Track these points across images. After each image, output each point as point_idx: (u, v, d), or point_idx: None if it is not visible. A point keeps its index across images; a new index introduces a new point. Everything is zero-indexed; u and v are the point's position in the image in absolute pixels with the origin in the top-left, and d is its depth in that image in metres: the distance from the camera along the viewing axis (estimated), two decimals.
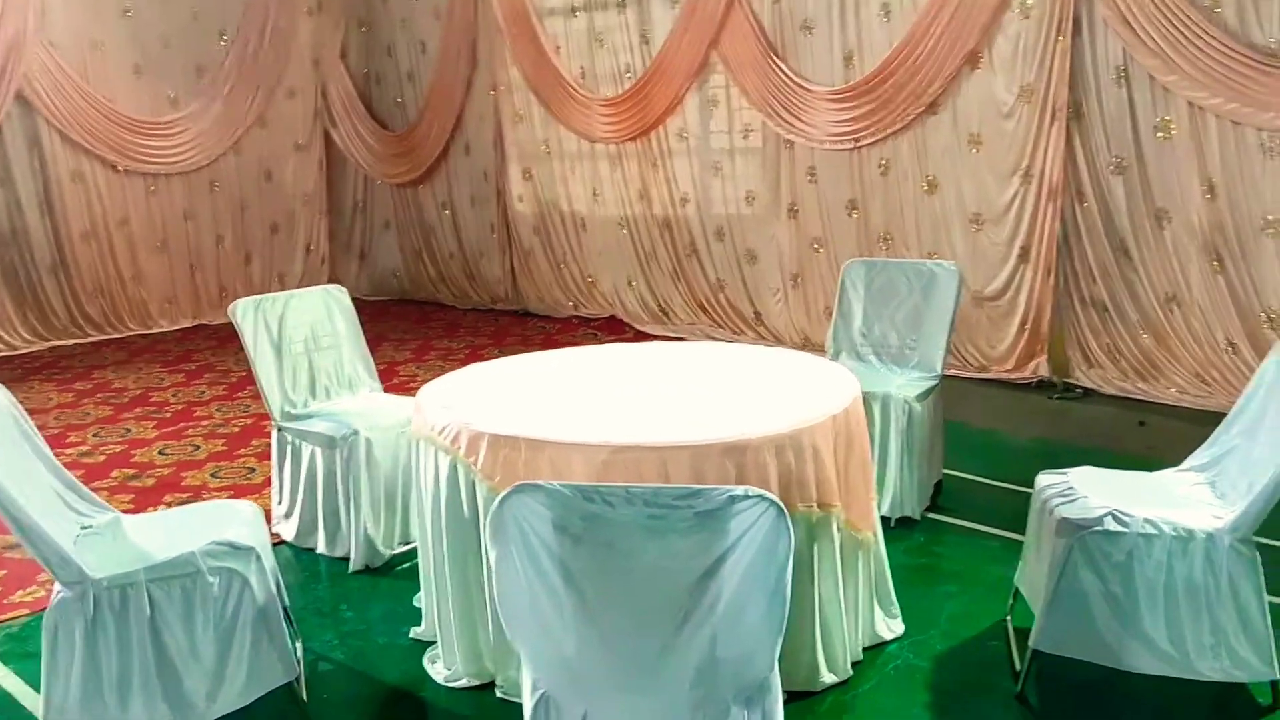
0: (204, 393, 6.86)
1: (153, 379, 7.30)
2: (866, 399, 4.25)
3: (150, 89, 8.94)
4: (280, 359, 4.25)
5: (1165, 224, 5.74)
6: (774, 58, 7.17)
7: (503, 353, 7.81)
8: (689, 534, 1.96)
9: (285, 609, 3.27)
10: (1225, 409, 5.46)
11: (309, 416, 4.18)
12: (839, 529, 3.02)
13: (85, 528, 3.00)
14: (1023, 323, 6.31)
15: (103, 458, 5.46)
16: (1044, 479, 3.22)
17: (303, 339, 4.35)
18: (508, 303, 9.55)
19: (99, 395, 6.85)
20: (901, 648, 3.28)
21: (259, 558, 2.86)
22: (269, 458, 5.31)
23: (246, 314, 4.20)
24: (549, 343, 8.03)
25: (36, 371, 7.59)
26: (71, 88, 8.39)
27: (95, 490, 4.87)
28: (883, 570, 3.34)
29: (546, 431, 2.88)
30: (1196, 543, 2.77)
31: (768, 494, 1.93)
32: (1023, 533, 4.01)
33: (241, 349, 8.09)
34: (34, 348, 8.37)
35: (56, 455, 5.55)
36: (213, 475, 5.15)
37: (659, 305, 8.38)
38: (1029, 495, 4.51)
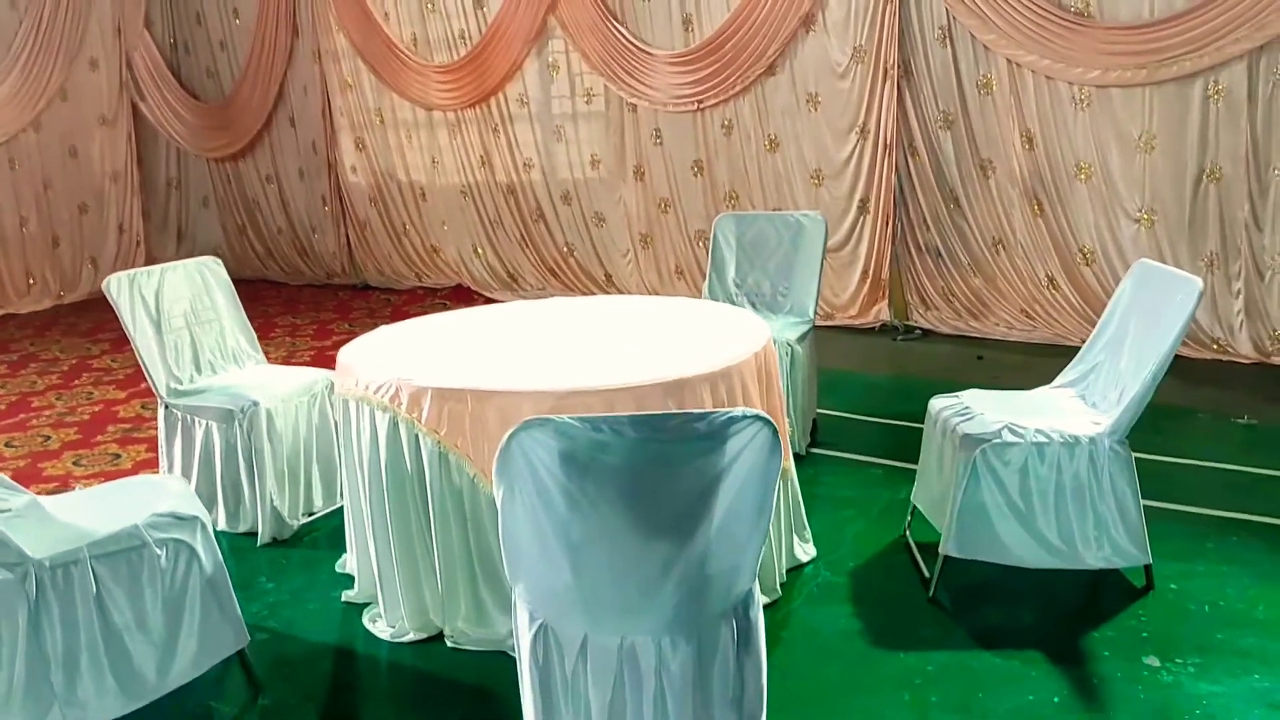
0: (36, 383, 6.44)
1: None
2: None
3: None
4: (161, 335, 4.09)
5: (990, 173, 6.24)
6: (613, 22, 7.29)
7: (352, 327, 7.67)
8: (691, 456, 2.09)
9: None
10: (1049, 340, 6.08)
11: (199, 392, 4.05)
12: None
13: (3, 511, 2.84)
14: (865, 271, 6.72)
15: None
16: (938, 402, 3.51)
17: (182, 313, 4.19)
18: (345, 277, 9.34)
19: None
20: (818, 568, 3.53)
21: (203, 527, 2.81)
22: (134, 442, 5.13)
23: (121, 289, 4.01)
24: (397, 314, 7.92)
25: None
26: None
27: None
28: (798, 498, 3.57)
29: (491, 382, 2.95)
30: (1081, 447, 3.11)
31: (763, 414, 2.08)
32: (899, 460, 4.40)
33: (65, 337, 7.68)
34: None
35: None
36: (75, 464, 4.89)
37: (507, 272, 8.41)
38: (896, 427, 4.94)
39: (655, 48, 7.19)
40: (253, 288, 9.46)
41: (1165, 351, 3.02)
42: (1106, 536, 3.17)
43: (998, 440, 3.14)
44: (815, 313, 4.78)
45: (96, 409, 5.78)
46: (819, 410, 4.95)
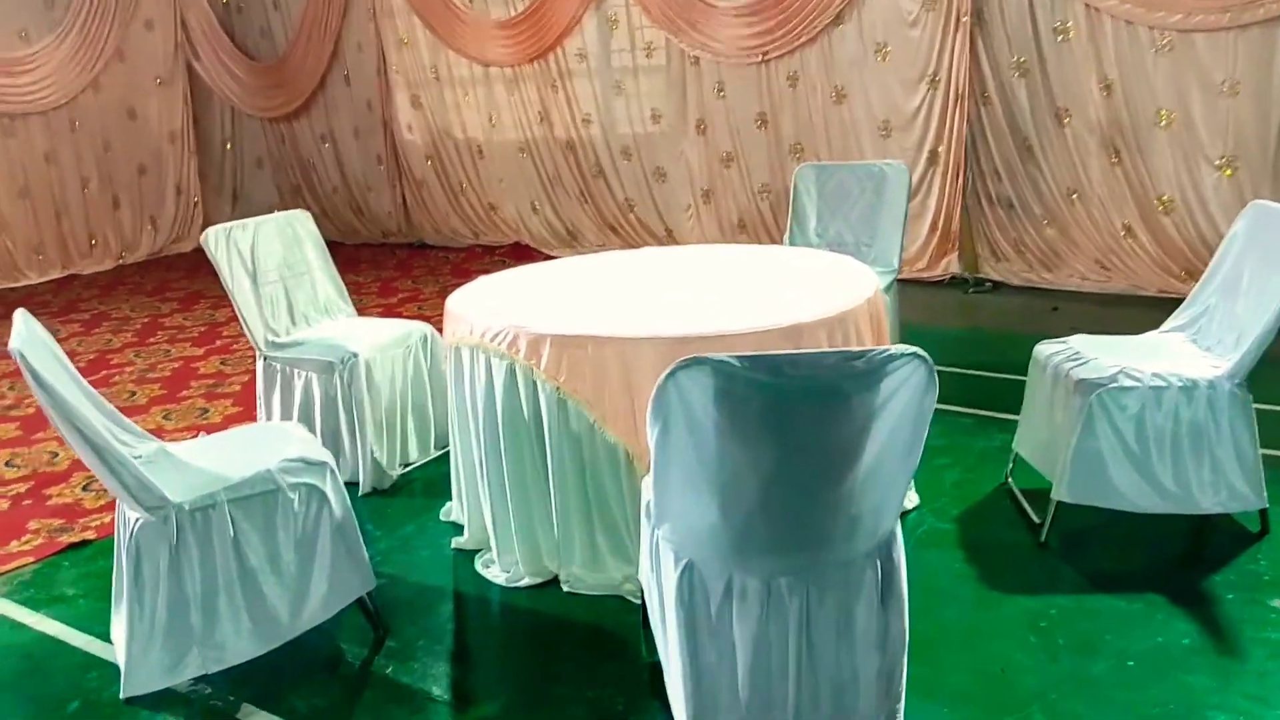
0: (111, 341, 6.52)
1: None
2: None
3: None
4: (257, 287, 4.12)
5: (1066, 121, 6.14)
6: None
7: (416, 284, 7.71)
8: (847, 394, 2.08)
9: None
10: (1125, 290, 6.01)
11: (296, 344, 4.08)
12: None
13: (136, 457, 2.89)
14: (934, 224, 6.66)
15: (32, 409, 5.15)
16: (1046, 347, 3.48)
17: (275, 267, 4.22)
18: (401, 236, 9.37)
19: None
20: (922, 515, 3.53)
21: (332, 472, 2.84)
22: (219, 397, 5.19)
23: (219, 243, 4.04)
24: (457, 272, 7.95)
25: None
26: None
27: (40, 441, 4.67)
28: None
29: (609, 329, 2.95)
30: (1200, 390, 3.08)
31: (920, 351, 2.07)
32: (987, 409, 4.37)
33: (133, 296, 7.76)
34: None
35: None
36: (165, 418, 4.96)
37: (566, 229, 8.39)
38: (979, 378, 4.92)
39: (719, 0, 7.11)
40: None
41: None
42: (1224, 481, 3.14)
43: (1114, 385, 3.11)
44: (900, 263, 4.75)
45: (176, 365, 5.85)
46: None
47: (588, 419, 2.94)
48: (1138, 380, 3.11)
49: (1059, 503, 3.23)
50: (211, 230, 4.06)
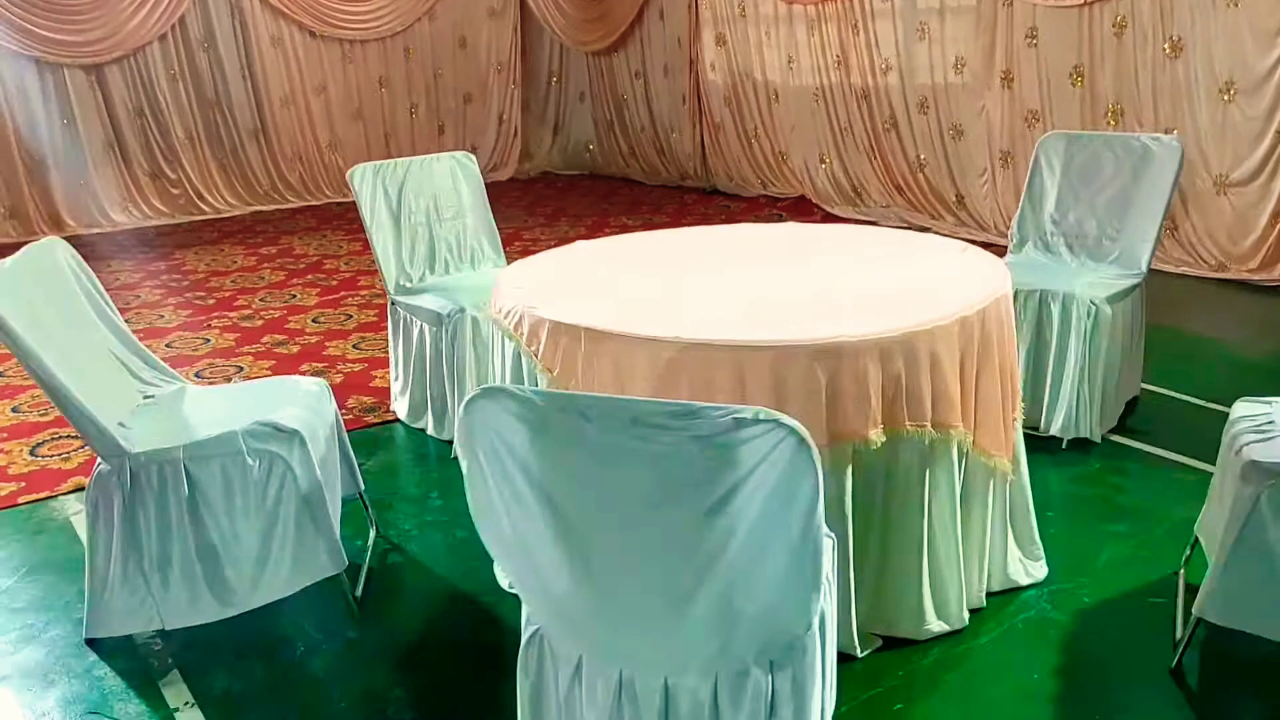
0: (374, 263, 6.83)
1: (332, 246, 7.37)
2: (1044, 298, 3.67)
3: None
4: (399, 229, 4.03)
5: None
6: None
7: None
8: (687, 461, 1.54)
9: (361, 495, 3.12)
10: None
11: (422, 291, 3.96)
12: (962, 454, 2.50)
13: (148, 397, 2.88)
14: (1275, 215, 5.31)
15: (260, 322, 5.51)
16: (1242, 408, 2.56)
17: (424, 208, 4.11)
18: (696, 180, 9.09)
19: (279, 260, 6.97)
20: (1039, 596, 2.75)
21: (303, 442, 2.64)
22: None
23: (365, 179, 3.99)
24: (731, 222, 7.53)
25: (231, 235, 7.84)
26: None
27: (241, 355, 4.94)
28: (1024, 503, 2.79)
29: (612, 322, 2.49)
30: None
31: (785, 419, 1.48)
32: None
33: None
34: (236, 211, 8.67)
35: (221, 317, 5.66)
36: (354, 346, 5.09)
37: (852, 186, 7.70)
38: None
39: None
40: (610, 185, 9.51)
41: None
42: None
43: None
44: (1149, 265, 3.78)
45: None
46: (1148, 387, 3.98)
47: None
48: None
49: (1211, 623, 2.37)
50: (359, 167, 4.02)
